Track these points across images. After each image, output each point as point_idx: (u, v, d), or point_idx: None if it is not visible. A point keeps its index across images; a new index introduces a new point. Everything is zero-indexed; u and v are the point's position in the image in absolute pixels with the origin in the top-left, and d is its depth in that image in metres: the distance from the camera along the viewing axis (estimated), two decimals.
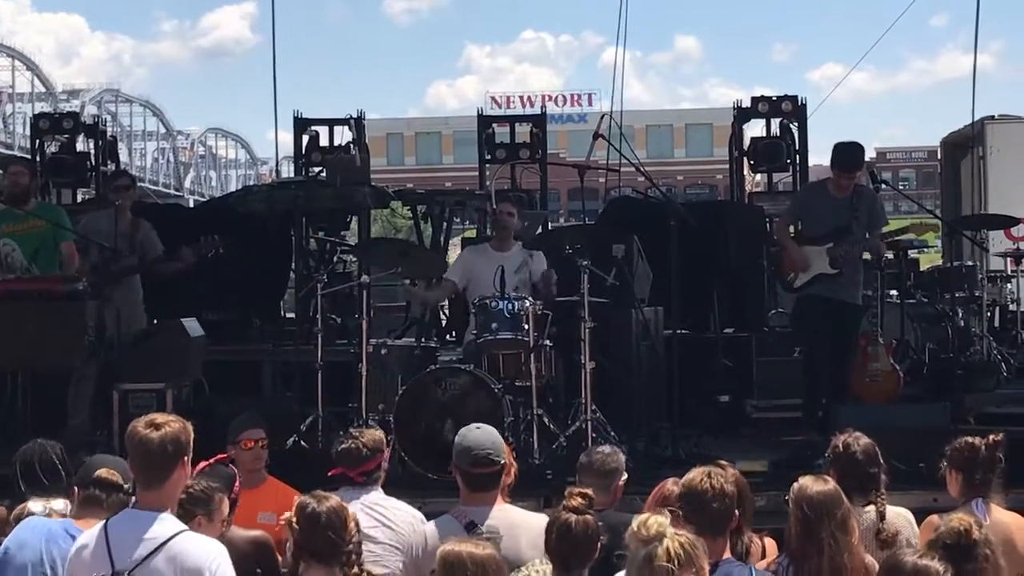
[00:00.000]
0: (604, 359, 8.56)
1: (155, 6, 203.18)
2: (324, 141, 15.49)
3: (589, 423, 7.99)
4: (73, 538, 4.50)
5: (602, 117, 10.33)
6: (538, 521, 5.06)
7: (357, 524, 4.54)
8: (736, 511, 4.61)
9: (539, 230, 12.66)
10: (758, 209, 13.53)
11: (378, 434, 5.83)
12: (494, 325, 8.32)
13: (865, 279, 9.18)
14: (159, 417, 4.29)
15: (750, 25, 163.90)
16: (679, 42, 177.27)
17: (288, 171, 27.84)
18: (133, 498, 4.40)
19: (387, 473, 5.82)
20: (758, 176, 16.43)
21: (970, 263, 13.00)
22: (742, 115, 15.18)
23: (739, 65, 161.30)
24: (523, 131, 15.97)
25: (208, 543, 4.24)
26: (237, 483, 5.22)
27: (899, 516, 5.33)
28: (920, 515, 5.33)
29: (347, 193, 11.54)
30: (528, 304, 8.27)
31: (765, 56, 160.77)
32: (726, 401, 10.16)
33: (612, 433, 8.15)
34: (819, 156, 18.83)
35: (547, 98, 78.54)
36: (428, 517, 5.45)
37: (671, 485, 5.15)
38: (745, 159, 15.26)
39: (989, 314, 12.82)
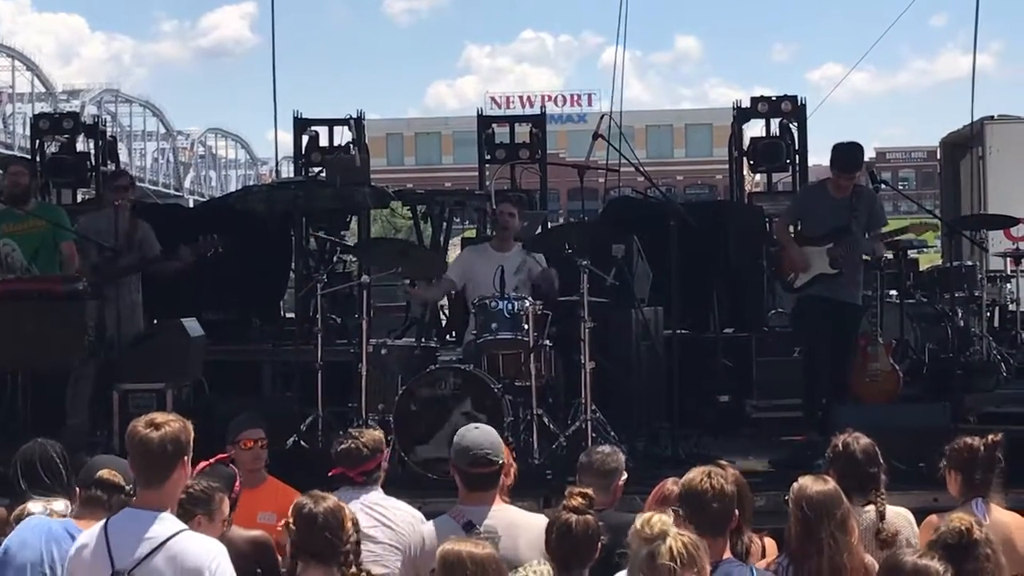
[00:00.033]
0: (604, 359, 8.57)
1: (155, 6, 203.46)
2: (324, 141, 15.49)
3: (589, 423, 7.99)
4: (74, 538, 4.50)
5: (602, 117, 10.34)
6: (536, 521, 5.06)
7: (356, 524, 4.54)
8: (736, 511, 4.61)
9: (539, 230, 12.66)
10: (758, 209, 13.53)
11: (378, 434, 5.83)
12: (494, 325, 8.32)
13: (865, 279, 9.18)
14: (159, 416, 4.29)
15: (750, 25, 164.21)
16: (679, 42, 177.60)
17: (288, 171, 27.82)
18: (133, 498, 4.40)
19: (387, 473, 5.82)
20: (758, 176, 16.42)
21: (970, 263, 12.99)
22: (742, 115, 15.17)
23: (739, 65, 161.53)
24: (523, 131, 15.96)
25: (208, 542, 4.24)
26: (238, 483, 5.23)
27: (899, 516, 5.33)
28: (920, 515, 5.34)
29: (347, 193, 11.55)
30: (528, 304, 8.28)
31: (765, 56, 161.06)
32: (726, 401, 10.17)
33: (612, 433, 8.16)
34: (819, 156, 18.85)
35: (547, 98, 78.53)
36: (428, 517, 5.45)
37: (671, 485, 5.15)
38: (745, 159, 15.25)
39: (989, 314, 12.82)
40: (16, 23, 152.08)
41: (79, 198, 15.49)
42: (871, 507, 5.25)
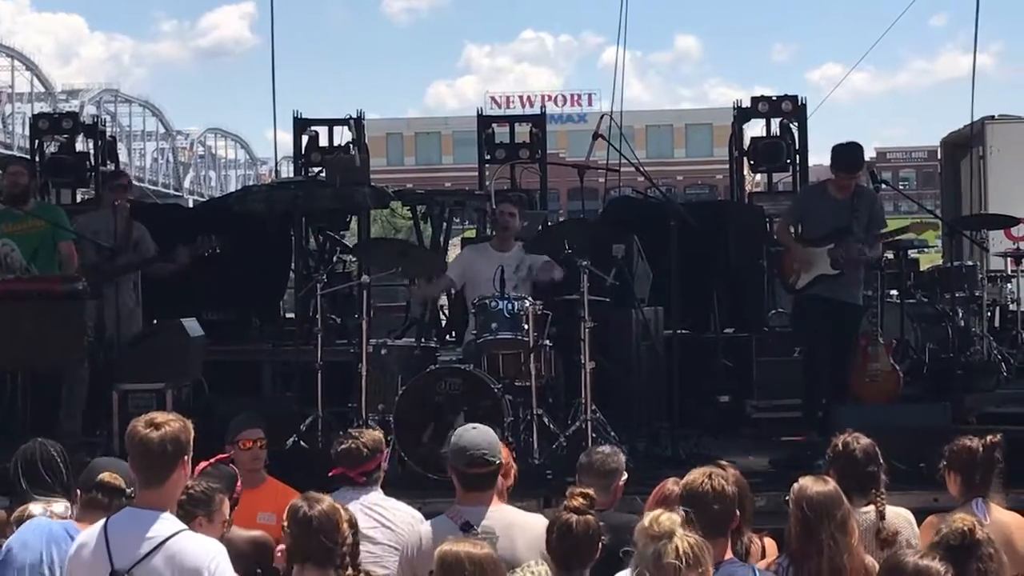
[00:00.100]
0: (604, 359, 8.56)
1: (154, 6, 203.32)
2: (324, 141, 15.48)
3: (589, 423, 7.99)
4: (74, 540, 4.49)
5: (602, 117, 10.33)
6: (534, 521, 5.05)
7: (353, 525, 4.51)
8: (737, 511, 4.60)
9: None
10: (758, 209, 13.53)
11: (378, 434, 5.83)
12: (494, 325, 8.31)
13: (865, 279, 9.17)
14: (159, 416, 4.29)
15: (750, 25, 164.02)
16: (679, 42, 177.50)
17: (287, 171, 27.88)
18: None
19: (387, 473, 5.81)
20: (758, 176, 16.42)
21: (970, 263, 13.00)
22: (742, 115, 15.16)
23: (739, 65, 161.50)
24: (523, 131, 15.96)
25: (207, 542, 4.24)
26: (239, 483, 5.22)
27: (899, 516, 5.32)
28: (920, 515, 5.34)
29: (347, 193, 11.53)
30: (528, 304, 8.27)
31: (765, 56, 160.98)
32: (726, 401, 10.17)
33: (612, 433, 8.15)
34: (819, 156, 18.88)
35: (547, 98, 78.50)
36: (427, 517, 5.44)
37: (671, 485, 5.15)
38: (745, 159, 15.24)
39: (989, 314, 12.82)
40: (15, 23, 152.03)
41: (78, 198, 15.49)
42: (871, 507, 5.24)
